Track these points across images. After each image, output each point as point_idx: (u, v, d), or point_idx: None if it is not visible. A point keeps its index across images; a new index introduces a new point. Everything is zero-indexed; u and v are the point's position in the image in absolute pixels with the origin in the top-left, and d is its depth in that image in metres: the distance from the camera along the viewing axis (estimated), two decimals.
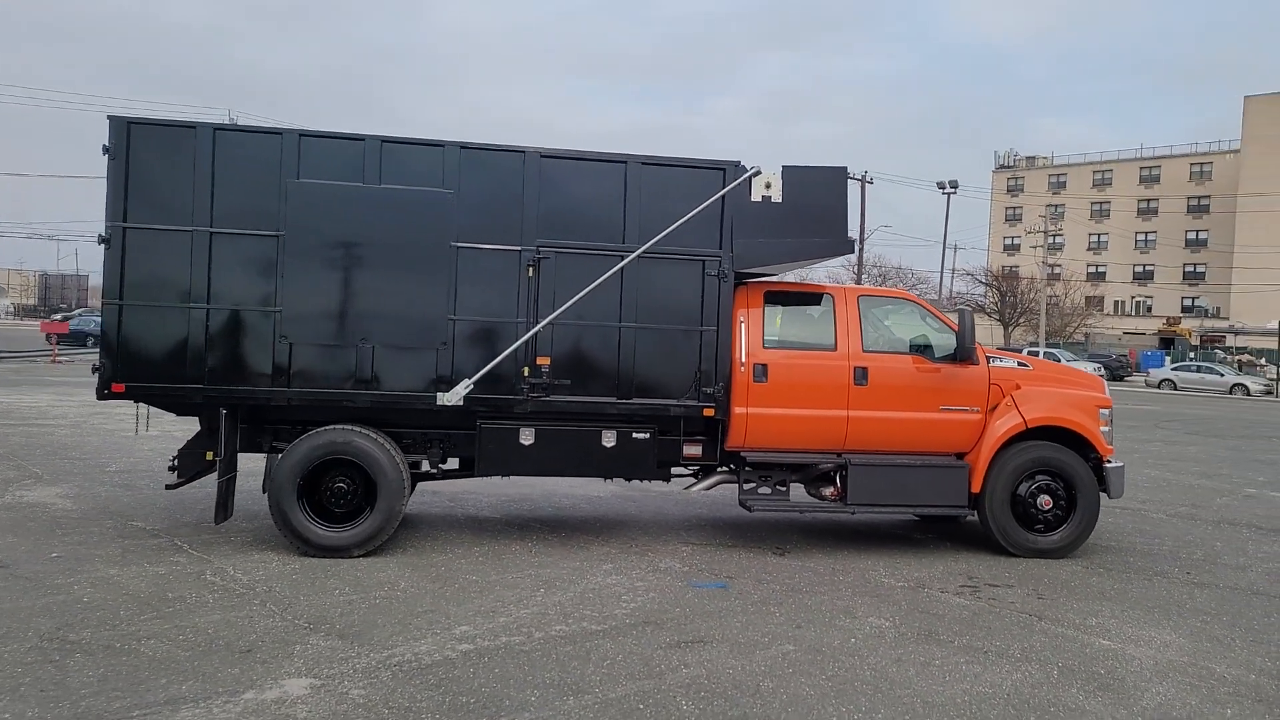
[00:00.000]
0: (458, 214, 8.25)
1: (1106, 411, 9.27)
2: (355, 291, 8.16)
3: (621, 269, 8.41)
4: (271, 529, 8.67)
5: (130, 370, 7.95)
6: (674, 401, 8.57)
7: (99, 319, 8.89)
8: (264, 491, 9.23)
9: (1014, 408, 8.98)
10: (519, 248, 8.34)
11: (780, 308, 9.13)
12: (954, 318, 9.11)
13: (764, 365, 8.79)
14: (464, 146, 8.31)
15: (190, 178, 7.96)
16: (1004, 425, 8.93)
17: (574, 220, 8.46)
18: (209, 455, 8.64)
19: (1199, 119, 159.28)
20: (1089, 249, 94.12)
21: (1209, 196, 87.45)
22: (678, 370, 8.58)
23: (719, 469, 9.18)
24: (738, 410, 8.70)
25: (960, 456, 9.10)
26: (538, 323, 8.32)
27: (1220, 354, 64.04)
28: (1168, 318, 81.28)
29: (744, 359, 8.74)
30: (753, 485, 8.97)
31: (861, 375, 8.88)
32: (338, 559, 7.95)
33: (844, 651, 6.02)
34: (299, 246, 8.05)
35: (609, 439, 8.58)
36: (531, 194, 8.33)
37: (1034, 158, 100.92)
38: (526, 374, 8.33)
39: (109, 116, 7.92)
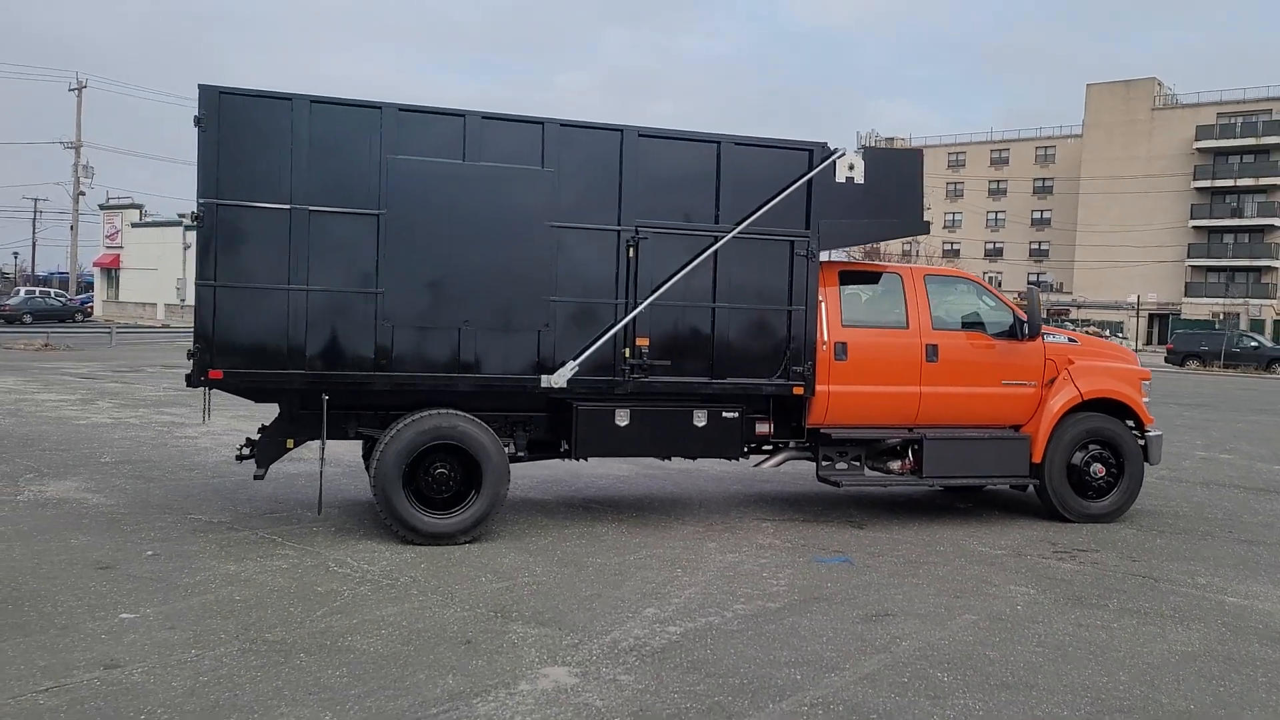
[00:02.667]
0: (558, 193, 8.11)
1: (1147, 383, 9.90)
2: (457, 272, 7.93)
3: (716, 249, 8.45)
4: (345, 516, 8.41)
5: (227, 356, 7.53)
6: (765, 380, 8.69)
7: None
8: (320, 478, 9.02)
9: (1070, 382, 9.47)
10: (618, 228, 8.27)
11: (854, 287, 9.36)
12: (1010, 296, 9.52)
13: (844, 344, 9.00)
14: (564, 124, 8.17)
15: (286, 152, 7.56)
16: (1062, 398, 9.42)
17: (669, 200, 8.44)
18: (289, 443, 8.28)
19: (1014, 103, 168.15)
20: (945, 227, 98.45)
21: (1053, 179, 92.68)
22: (768, 350, 8.70)
23: (789, 446, 9.33)
24: (820, 388, 8.89)
25: (1017, 429, 9.56)
26: (636, 303, 8.28)
27: (1069, 326, 68.30)
28: (1018, 292, 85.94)
29: (825, 337, 8.93)
30: (830, 461, 9.18)
31: (932, 352, 9.21)
32: (444, 546, 7.76)
33: (1023, 619, 6.30)
34: (400, 225, 7.77)
35: (700, 419, 8.62)
36: (629, 173, 8.26)
37: (893, 139, 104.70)
38: (627, 355, 8.29)
39: (199, 85, 7.44)
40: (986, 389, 9.40)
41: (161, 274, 58.37)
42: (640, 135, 8.32)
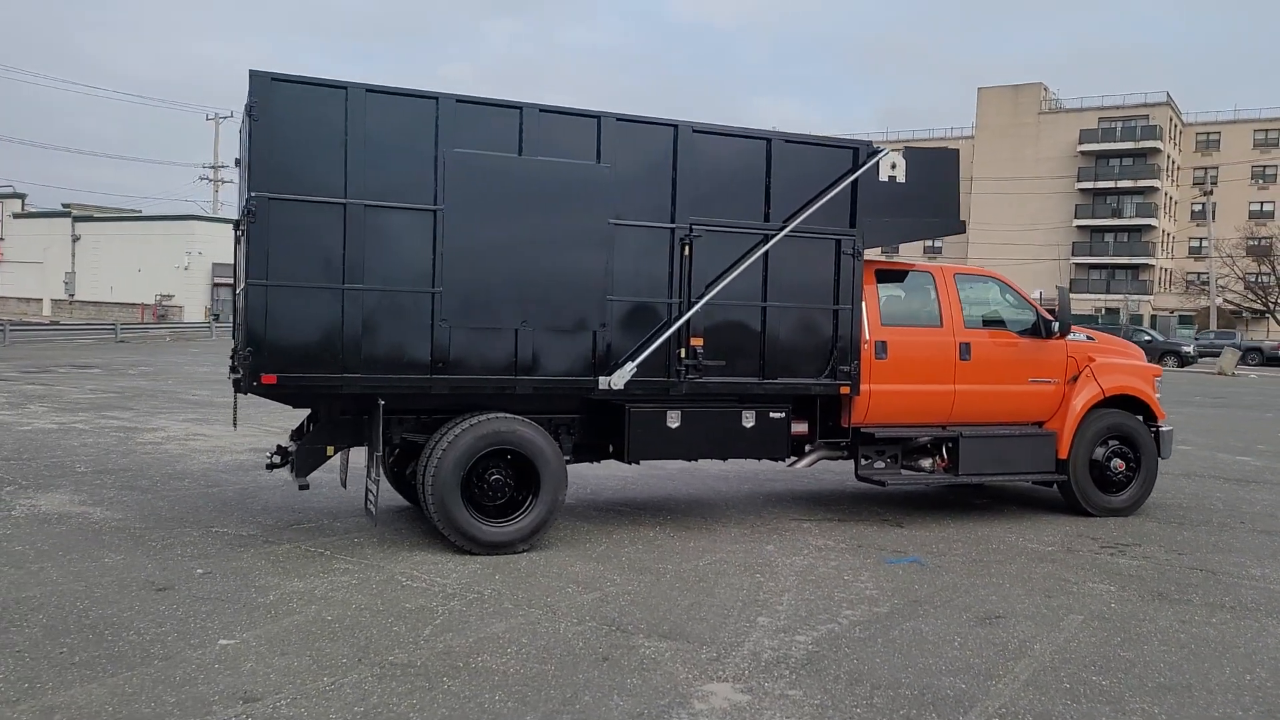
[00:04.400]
0: (614, 190, 7.88)
1: (1159, 380, 10.19)
2: (515, 271, 7.63)
3: (768, 248, 8.34)
4: (374, 523, 8.04)
5: (281, 360, 7.07)
6: (813, 380, 8.62)
7: None
8: (343, 485, 8.66)
9: (1093, 379, 9.68)
10: (673, 225, 8.08)
11: (890, 286, 9.37)
12: (1035, 295, 9.68)
13: (884, 342, 9.01)
14: (619, 118, 7.94)
15: (340, 144, 7.14)
16: (1086, 395, 9.61)
17: (721, 197, 8.29)
18: (330, 450, 7.86)
19: (894, 103, 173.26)
20: None
21: None
22: (815, 349, 8.63)
23: (822, 445, 9.27)
24: (863, 387, 8.87)
25: (1039, 425, 9.72)
26: (690, 302, 8.11)
27: None
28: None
29: (866, 336, 8.92)
30: (869, 460, 9.18)
31: (965, 351, 9.29)
32: (503, 555, 7.46)
33: (1127, 618, 6.35)
34: (458, 221, 7.43)
35: (748, 419, 8.50)
36: (684, 170, 8.08)
37: None
38: (683, 355, 8.11)
39: (251, 71, 6.96)
40: (1014, 386, 9.53)
41: (47, 268, 55.35)
42: (694, 131, 8.14)
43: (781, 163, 8.42)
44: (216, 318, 49.96)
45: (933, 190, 9.07)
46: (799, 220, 8.40)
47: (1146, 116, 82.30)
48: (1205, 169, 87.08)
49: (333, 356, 7.18)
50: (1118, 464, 9.70)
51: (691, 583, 6.90)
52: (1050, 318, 9.65)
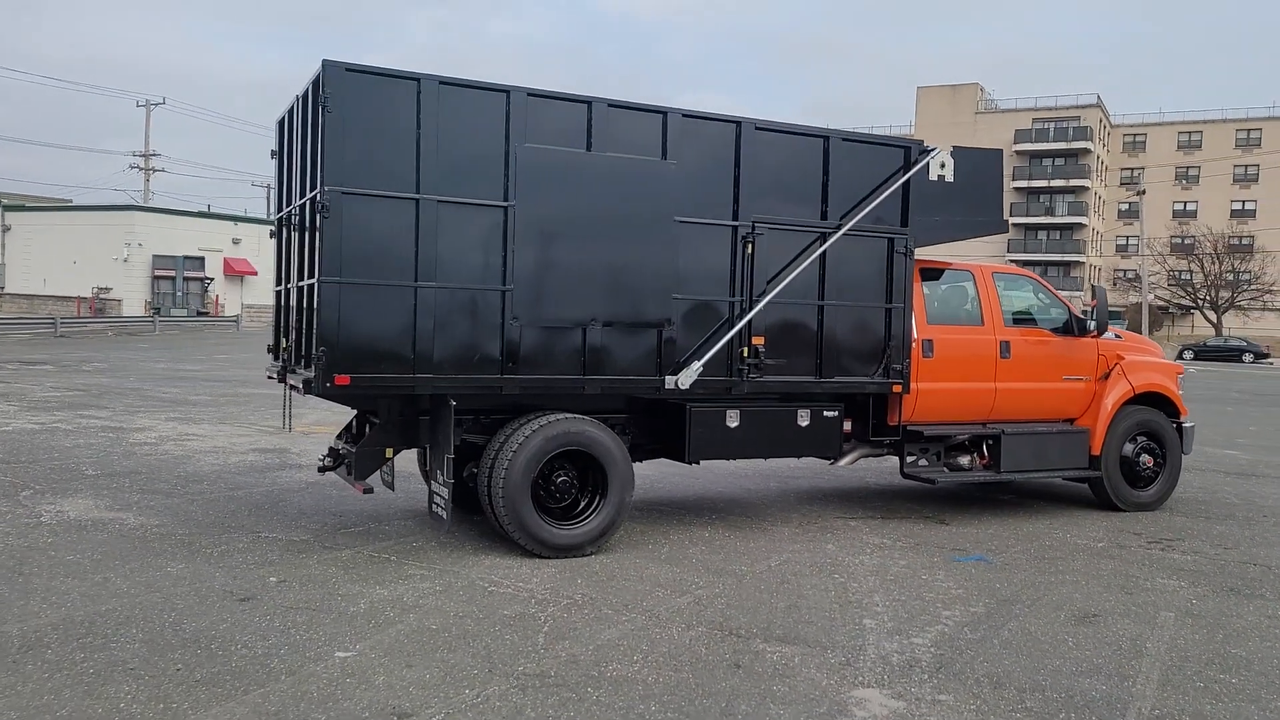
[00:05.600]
0: (679, 186, 7.78)
1: (1181, 377, 10.41)
2: (586, 268, 7.50)
3: (825, 247, 8.32)
4: (419, 526, 7.88)
5: (354, 360, 6.83)
6: (867, 379, 8.63)
7: None
8: (391, 489, 8.49)
9: (1124, 376, 9.85)
10: (735, 223, 8.01)
11: (933, 284, 9.41)
12: (1065, 293, 9.81)
13: (930, 341, 9.05)
14: (685, 114, 7.84)
15: (412, 137, 6.93)
16: (1118, 392, 9.78)
17: (781, 195, 8.25)
18: (388, 453, 7.65)
19: (823, 98, 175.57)
20: None
21: None
22: (868, 348, 8.63)
23: (865, 443, 9.28)
24: (912, 385, 8.90)
25: (1071, 422, 9.87)
26: (751, 300, 8.06)
27: None
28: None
29: (915, 335, 8.95)
30: (914, 458, 9.22)
31: (1005, 349, 9.39)
32: (572, 558, 7.33)
33: (1215, 614, 6.44)
34: (530, 218, 7.26)
35: (804, 418, 8.48)
36: (746, 167, 8.02)
37: None
38: (745, 354, 8.05)
39: (324, 61, 6.71)
40: (1050, 384, 9.66)
41: None
42: (757, 128, 8.08)
43: (838, 161, 8.40)
44: (157, 311, 48.51)
45: (978, 189, 9.15)
46: (856, 219, 8.39)
47: (1078, 118, 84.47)
48: (1132, 169, 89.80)
49: (404, 356, 6.97)
50: (1146, 460, 9.89)
51: (774, 584, 6.85)
52: (1081, 316, 9.80)
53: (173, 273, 52.49)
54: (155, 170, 67.42)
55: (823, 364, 8.42)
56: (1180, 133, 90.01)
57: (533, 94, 7.32)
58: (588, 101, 7.51)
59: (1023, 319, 9.79)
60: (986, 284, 9.54)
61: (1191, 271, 69.83)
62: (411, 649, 5.32)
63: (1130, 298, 72.59)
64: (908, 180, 8.66)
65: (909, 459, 9.18)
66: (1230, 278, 69.79)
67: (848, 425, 9.03)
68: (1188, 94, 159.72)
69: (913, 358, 8.87)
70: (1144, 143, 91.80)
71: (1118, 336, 10.28)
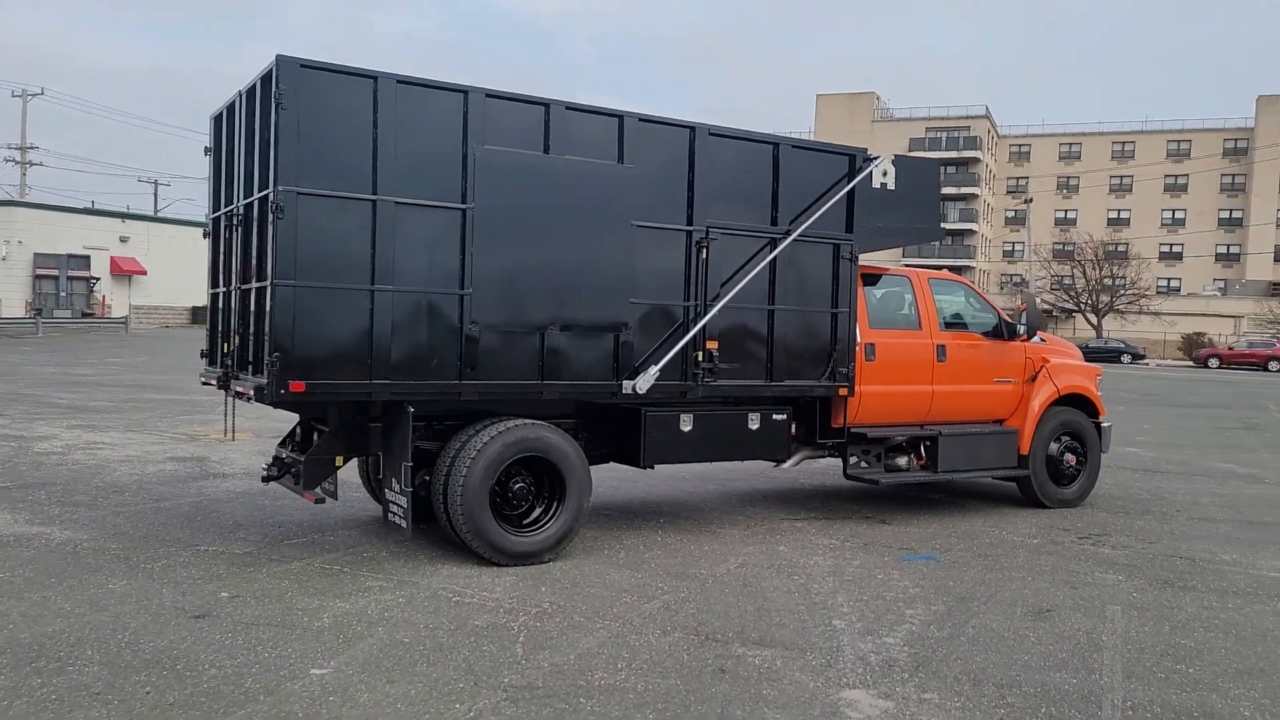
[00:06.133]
0: (636, 191, 7.76)
1: (1100, 379, 10.85)
2: (544, 273, 7.42)
3: (776, 253, 8.40)
4: (366, 535, 7.71)
5: (309, 366, 6.61)
6: (815, 382, 8.75)
7: None
8: (335, 498, 8.25)
9: (1049, 379, 10.21)
10: (690, 228, 8.03)
11: (874, 289, 9.59)
12: (997, 300, 10.12)
13: (873, 344, 9.23)
14: (641, 119, 7.82)
15: (369, 137, 6.75)
16: (1044, 394, 10.14)
17: (733, 200, 8.31)
18: (338, 461, 7.42)
19: (722, 103, 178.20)
20: None
21: None
22: (816, 351, 8.76)
23: (808, 446, 9.40)
24: (856, 388, 9.05)
25: (1000, 423, 10.19)
26: (706, 304, 8.09)
27: None
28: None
29: (859, 339, 9.11)
30: (855, 460, 9.38)
31: (941, 353, 9.64)
32: (530, 565, 7.24)
33: (1160, 606, 6.71)
34: (489, 221, 7.15)
35: (754, 422, 8.55)
36: (700, 172, 8.05)
37: None
38: (700, 359, 8.07)
39: (278, 56, 6.48)
40: (983, 386, 9.96)
41: None
42: (710, 133, 8.11)
43: (787, 167, 8.50)
44: (39, 312, 46.19)
45: (918, 198, 9.35)
46: (806, 224, 8.50)
47: (968, 128, 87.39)
48: (1018, 178, 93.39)
49: (361, 361, 6.78)
50: (1070, 459, 10.27)
51: (738, 587, 6.88)
52: (1010, 321, 10.13)
53: (56, 272, 50.10)
54: (33, 164, 64.16)
55: (773, 368, 8.51)
56: (1061, 144, 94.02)
57: (491, 95, 7.20)
58: (545, 104, 7.43)
59: (955, 324, 10.06)
60: (923, 289, 9.78)
61: (1074, 276, 72.76)
62: (389, 664, 5.17)
63: (1017, 301, 75.28)
64: (853, 188, 8.82)
65: (851, 460, 9.34)
66: (1109, 283, 73.04)
67: (795, 428, 9.16)
68: (1070, 106, 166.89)
69: (857, 361, 9.03)
70: (1029, 153, 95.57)
71: (1042, 340, 10.65)
